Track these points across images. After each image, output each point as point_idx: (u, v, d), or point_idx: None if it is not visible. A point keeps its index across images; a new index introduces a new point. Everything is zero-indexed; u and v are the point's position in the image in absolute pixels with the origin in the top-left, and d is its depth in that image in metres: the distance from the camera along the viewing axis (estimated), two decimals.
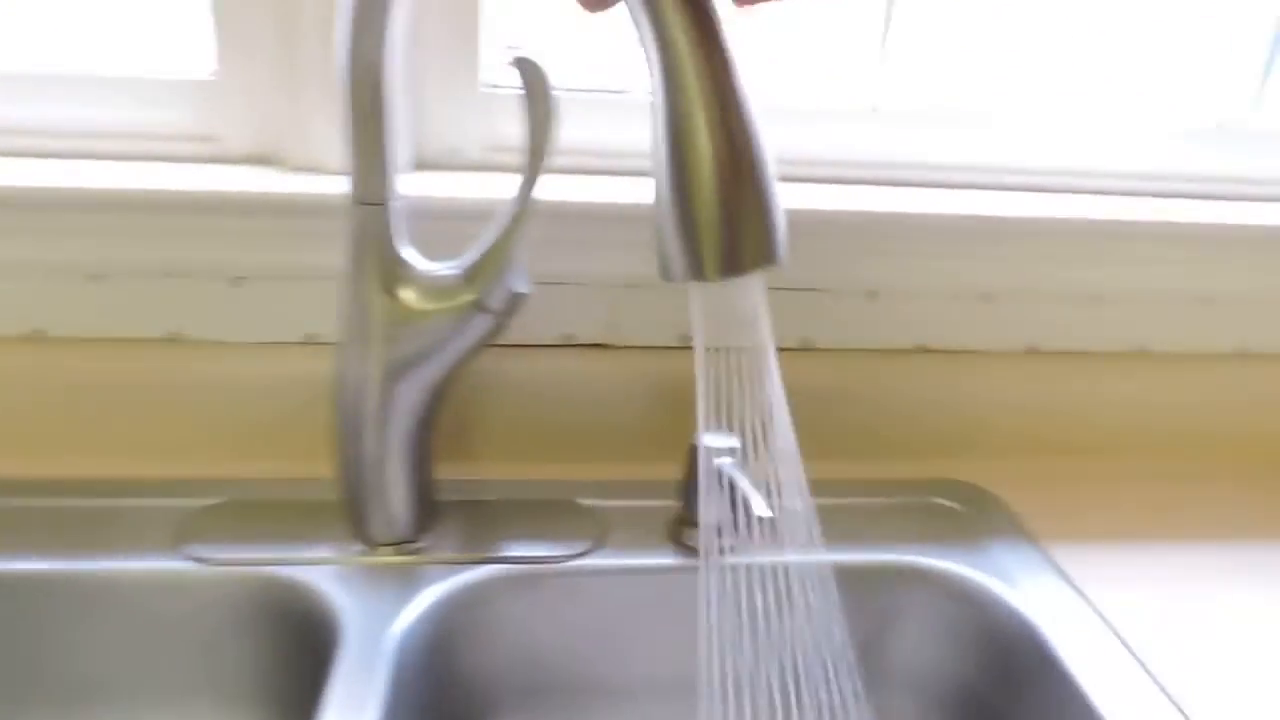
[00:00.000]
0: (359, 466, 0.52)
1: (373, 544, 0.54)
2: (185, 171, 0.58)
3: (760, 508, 0.50)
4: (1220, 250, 0.67)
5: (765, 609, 0.46)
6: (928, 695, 0.57)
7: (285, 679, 0.53)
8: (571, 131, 0.62)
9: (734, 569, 0.47)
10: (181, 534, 0.54)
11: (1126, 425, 0.70)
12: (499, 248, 0.48)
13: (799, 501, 0.44)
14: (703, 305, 0.40)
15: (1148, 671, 0.49)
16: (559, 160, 0.63)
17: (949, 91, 0.68)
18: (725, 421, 0.42)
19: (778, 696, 0.46)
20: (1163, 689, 0.48)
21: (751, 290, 0.40)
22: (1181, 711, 0.46)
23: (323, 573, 0.52)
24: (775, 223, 0.36)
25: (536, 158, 0.47)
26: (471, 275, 0.49)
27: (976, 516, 0.61)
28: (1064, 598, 0.54)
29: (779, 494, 0.45)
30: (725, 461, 0.54)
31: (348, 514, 0.53)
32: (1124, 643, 0.51)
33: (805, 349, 0.66)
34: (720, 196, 0.35)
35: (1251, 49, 0.70)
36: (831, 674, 0.46)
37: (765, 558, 0.46)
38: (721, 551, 0.56)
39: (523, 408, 0.63)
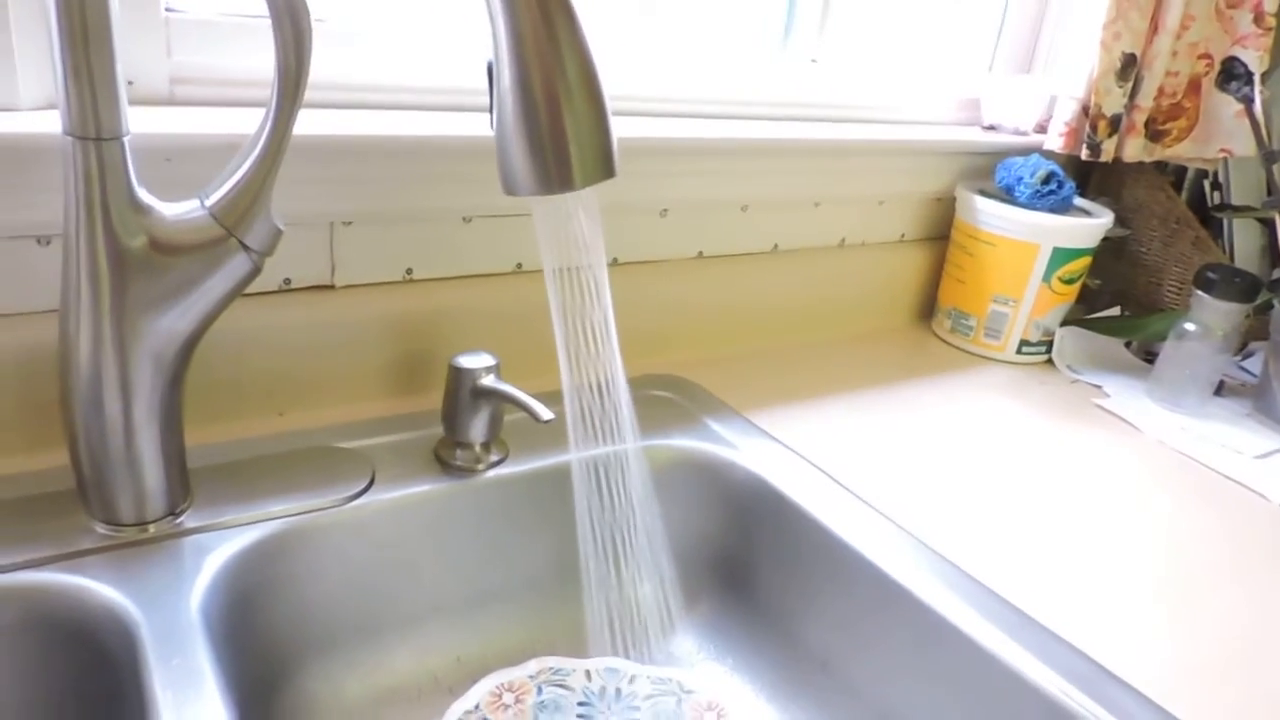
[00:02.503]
0: (102, 441, 0.46)
1: (122, 526, 0.48)
2: None
3: (544, 413, 0.54)
4: (827, 161, 0.83)
5: (605, 493, 0.51)
6: (691, 559, 0.65)
7: (61, 701, 0.46)
8: (249, 61, 0.58)
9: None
10: None
11: (769, 310, 0.84)
12: (255, 181, 0.45)
13: (622, 399, 0.50)
14: (546, 221, 0.42)
15: (850, 491, 0.62)
16: (249, 93, 0.59)
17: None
18: (571, 331, 0.46)
19: (620, 565, 0.52)
20: (865, 502, 0.61)
21: (592, 204, 0.44)
22: (887, 517, 0.60)
23: (76, 569, 0.45)
24: (613, 139, 0.42)
25: (291, 81, 0.44)
26: (223, 214, 0.45)
27: (687, 401, 0.70)
28: (775, 451, 0.65)
29: (611, 393, 0.50)
30: (489, 379, 0.57)
31: (90, 497, 0.47)
32: (827, 474, 0.63)
33: (518, 272, 0.70)
34: (571, 114, 0.39)
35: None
36: (650, 543, 0.53)
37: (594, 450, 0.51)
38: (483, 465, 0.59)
39: (255, 361, 0.59)
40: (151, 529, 0.48)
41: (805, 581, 0.60)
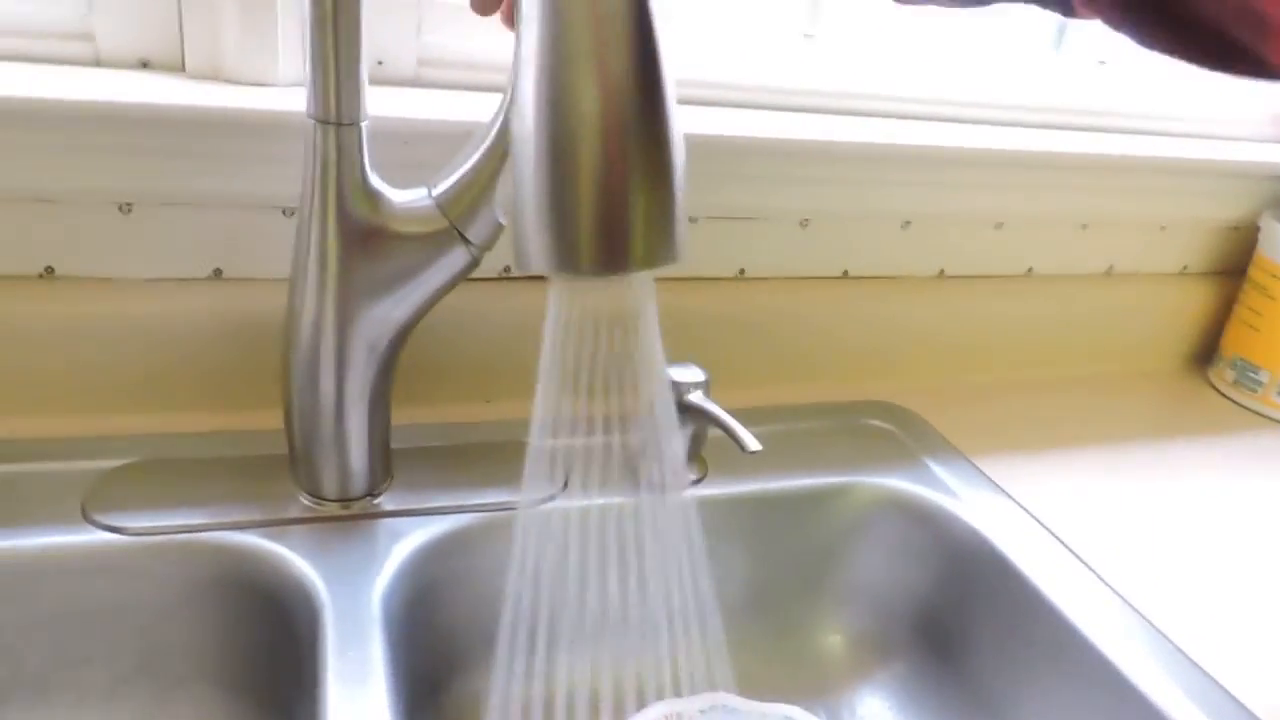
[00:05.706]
0: (314, 418, 0.47)
1: (324, 500, 0.49)
2: (60, 77, 0.49)
3: (751, 443, 0.51)
4: (1102, 177, 0.73)
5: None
6: (891, 612, 0.59)
7: (244, 657, 0.48)
8: (495, 43, 0.57)
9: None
10: (93, 501, 0.47)
11: (1018, 341, 0.76)
12: (483, 174, 0.44)
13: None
14: (569, 302, 0.32)
15: (1088, 566, 0.54)
16: (493, 78, 0.59)
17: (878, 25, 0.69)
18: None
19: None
20: (1105, 583, 0.53)
21: (636, 289, 0.32)
22: (1129, 604, 0.51)
23: (276, 536, 0.47)
24: (676, 207, 0.29)
25: None
26: (448, 205, 0.44)
27: (907, 435, 0.64)
28: (1004, 506, 0.58)
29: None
30: (696, 396, 0.54)
31: (298, 468, 0.49)
32: (1063, 542, 0.55)
33: (740, 279, 0.66)
34: (608, 168, 0.27)
35: None
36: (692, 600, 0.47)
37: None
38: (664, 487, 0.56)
39: (467, 347, 0.59)
40: (352, 507, 0.49)
41: (1021, 662, 0.53)
